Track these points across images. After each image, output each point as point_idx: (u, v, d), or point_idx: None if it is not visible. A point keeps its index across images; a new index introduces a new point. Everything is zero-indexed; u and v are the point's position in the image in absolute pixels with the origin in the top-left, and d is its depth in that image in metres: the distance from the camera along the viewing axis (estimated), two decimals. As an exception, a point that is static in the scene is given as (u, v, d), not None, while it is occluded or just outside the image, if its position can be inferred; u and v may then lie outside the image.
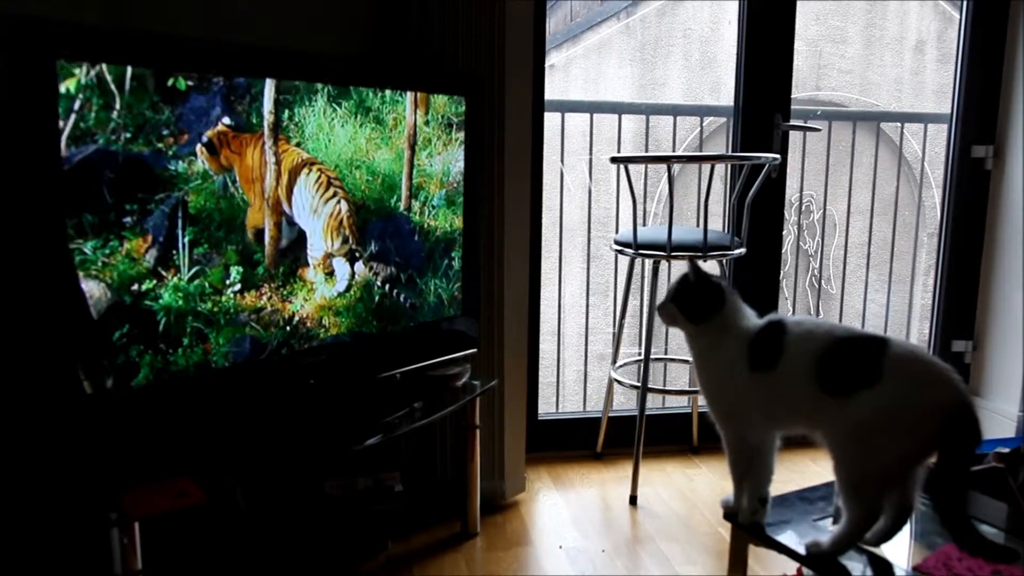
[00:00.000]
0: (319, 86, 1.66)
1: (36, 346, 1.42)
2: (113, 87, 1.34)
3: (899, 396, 1.25)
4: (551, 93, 2.50)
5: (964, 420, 1.25)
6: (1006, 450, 1.59)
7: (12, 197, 1.36)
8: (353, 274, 1.81)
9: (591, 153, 3.47)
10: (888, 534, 1.36)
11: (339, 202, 1.74)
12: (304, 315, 1.72)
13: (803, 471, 2.45)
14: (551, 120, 2.58)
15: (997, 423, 2.69)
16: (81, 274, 1.34)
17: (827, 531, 1.41)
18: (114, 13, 1.84)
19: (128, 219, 1.39)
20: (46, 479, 1.53)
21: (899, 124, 5.28)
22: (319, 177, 1.69)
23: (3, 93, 1.25)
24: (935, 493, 1.29)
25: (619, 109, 4.28)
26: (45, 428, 1.47)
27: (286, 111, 1.61)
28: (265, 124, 1.59)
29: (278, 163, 1.62)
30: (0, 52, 1.23)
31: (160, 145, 1.42)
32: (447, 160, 1.98)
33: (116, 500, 1.39)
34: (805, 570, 1.55)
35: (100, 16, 1.82)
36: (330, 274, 1.76)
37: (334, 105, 1.70)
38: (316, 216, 1.71)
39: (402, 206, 1.89)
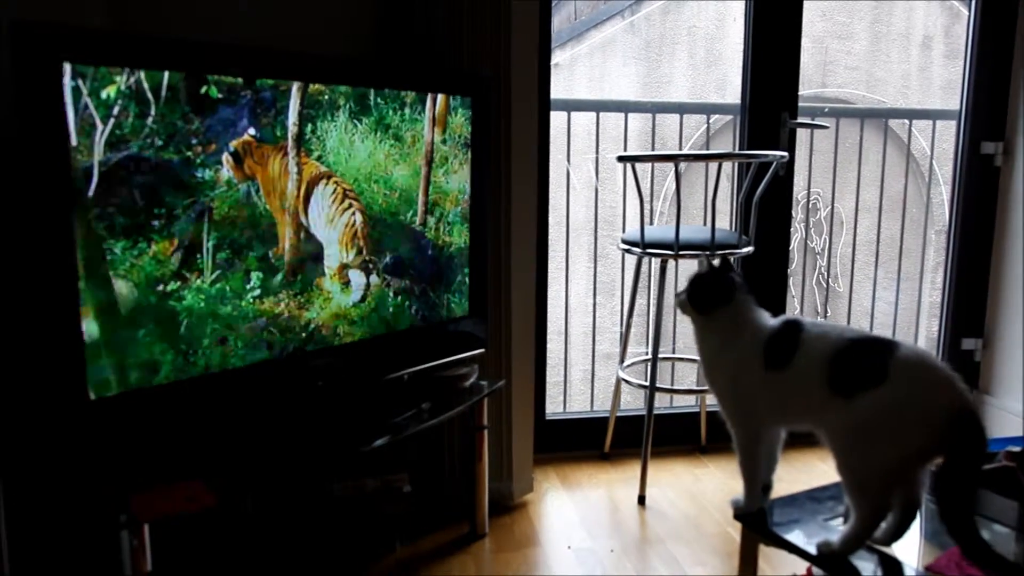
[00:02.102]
0: (342, 102, 1.70)
1: (44, 349, 1.42)
2: (150, 94, 1.38)
3: (901, 397, 1.26)
4: (556, 92, 2.50)
5: (967, 425, 1.24)
6: (1017, 448, 1.58)
7: (19, 198, 1.36)
8: (368, 285, 1.83)
9: (597, 152, 3.46)
10: (897, 532, 1.36)
11: (354, 214, 1.76)
12: (320, 323, 1.74)
13: (812, 470, 2.44)
14: (557, 119, 2.57)
15: (1007, 421, 2.68)
16: (110, 273, 1.37)
17: (837, 530, 1.41)
18: (119, 13, 1.85)
19: (156, 223, 1.43)
20: (57, 481, 1.54)
21: (907, 121, 5.26)
22: (335, 189, 1.72)
23: (8, 95, 1.26)
24: (940, 500, 1.28)
25: (625, 107, 4.28)
26: (56, 430, 1.48)
27: (309, 125, 1.65)
28: (289, 136, 1.62)
29: (299, 174, 1.64)
30: (6, 54, 1.23)
31: (189, 154, 1.46)
32: (463, 179, 2.01)
33: (126, 503, 1.40)
34: (815, 570, 1.54)
35: (105, 16, 1.82)
36: (346, 284, 1.78)
37: (355, 121, 1.73)
38: (332, 227, 1.73)
39: (418, 221, 1.92)
